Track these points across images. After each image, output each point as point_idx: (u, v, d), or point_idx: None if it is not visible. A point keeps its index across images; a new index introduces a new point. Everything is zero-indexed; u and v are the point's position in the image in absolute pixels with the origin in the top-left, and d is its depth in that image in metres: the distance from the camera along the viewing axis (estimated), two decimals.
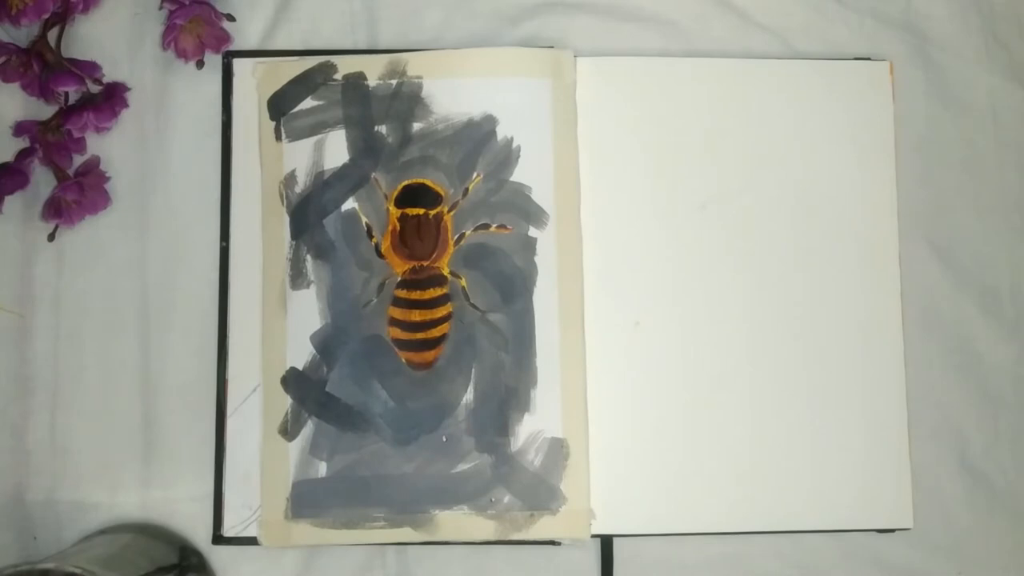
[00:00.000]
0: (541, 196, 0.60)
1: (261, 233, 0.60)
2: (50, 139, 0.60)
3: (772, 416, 0.60)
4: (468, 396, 0.59)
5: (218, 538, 0.58)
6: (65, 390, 0.60)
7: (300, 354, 0.59)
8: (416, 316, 0.59)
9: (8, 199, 0.60)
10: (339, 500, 0.58)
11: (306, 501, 0.58)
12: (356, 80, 0.61)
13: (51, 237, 0.60)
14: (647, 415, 0.60)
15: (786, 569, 0.61)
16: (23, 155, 0.60)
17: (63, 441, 0.60)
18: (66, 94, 0.60)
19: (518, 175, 0.60)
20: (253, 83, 0.61)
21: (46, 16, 0.60)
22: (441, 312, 0.59)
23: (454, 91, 0.60)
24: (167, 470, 0.59)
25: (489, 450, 0.58)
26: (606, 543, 0.60)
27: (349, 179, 0.60)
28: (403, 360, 0.59)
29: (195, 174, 0.61)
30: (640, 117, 0.62)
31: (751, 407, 0.60)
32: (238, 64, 0.61)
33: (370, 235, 0.60)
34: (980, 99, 0.65)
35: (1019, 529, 0.62)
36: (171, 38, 0.60)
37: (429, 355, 0.59)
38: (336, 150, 0.60)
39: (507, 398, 0.59)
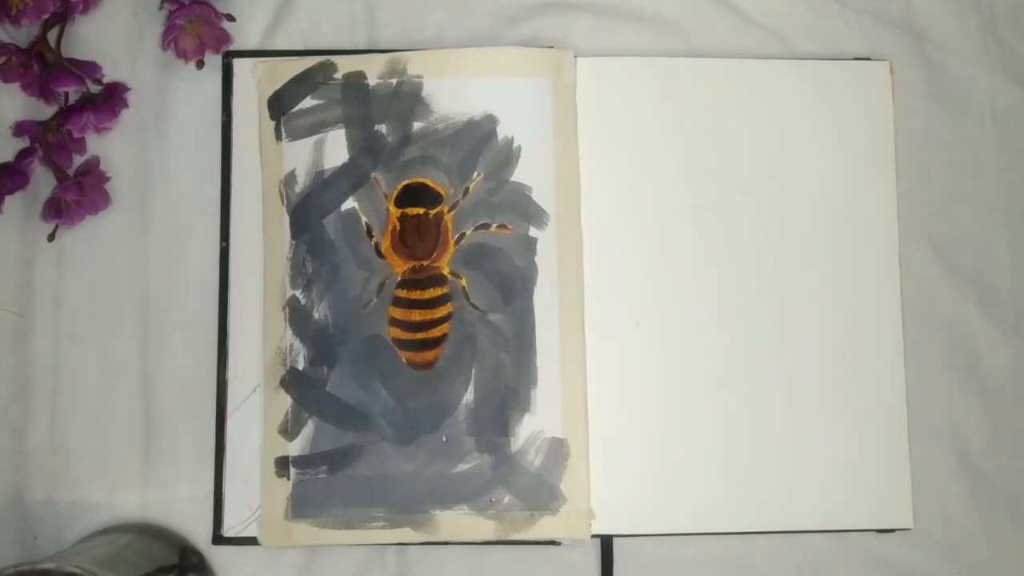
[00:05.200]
0: (541, 196, 0.60)
1: (261, 233, 0.60)
2: (50, 139, 0.60)
3: (772, 416, 0.60)
4: (468, 396, 0.59)
5: (218, 538, 0.58)
6: (65, 390, 0.60)
7: (300, 354, 0.59)
8: (416, 316, 0.59)
9: (8, 199, 0.60)
10: (339, 500, 0.58)
11: (306, 501, 0.58)
12: (356, 79, 0.61)
13: (51, 237, 0.60)
14: (647, 415, 0.60)
15: (786, 569, 0.60)
16: (23, 155, 0.60)
17: (63, 441, 0.60)
18: (66, 94, 0.60)
19: (518, 175, 0.60)
20: (253, 83, 0.61)
21: (46, 16, 0.60)
22: (441, 312, 0.59)
23: (454, 91, 0.61)
24: (167, 470, 0.59)
25: (489, 450, 0.58)
26: (606, 543, 0.60)
27: (349, 178, 0.60)
28: (403, 360, 0.59)
29: (195, 174, 0.61)
30: (640, 117, 0.62)
31: (750, 407, 0.60)
32: (238, 64, 0.61)
33: (370, 235, 0.60)
34: (980, 99, 0.65)
35: (1019, 529, 0.62)
36: (171, 38, 0.60)
37: (429, 355, 0.59)
38: (336, 149, 0.60)
39: (507, 398, 0.59)
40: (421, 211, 0.60)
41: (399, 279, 0.60)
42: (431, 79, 0.61)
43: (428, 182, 0.60)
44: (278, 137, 0.61)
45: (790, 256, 0.62)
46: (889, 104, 0.63)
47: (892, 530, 0.60)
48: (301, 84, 0.61)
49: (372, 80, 0.61)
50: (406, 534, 0.58)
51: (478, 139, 0.60)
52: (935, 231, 0.63)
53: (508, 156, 0.60)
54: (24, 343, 0.60)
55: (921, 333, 0.62)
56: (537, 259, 0.60)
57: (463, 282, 0.60)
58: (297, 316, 0.59)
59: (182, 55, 0.61)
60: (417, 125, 0.61)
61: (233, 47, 0.62)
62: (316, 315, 0.59)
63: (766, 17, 0.64)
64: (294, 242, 0.60)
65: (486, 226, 0.60)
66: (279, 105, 0.61)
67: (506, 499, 0.58)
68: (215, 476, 0.59)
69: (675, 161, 0.62)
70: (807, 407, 0.60)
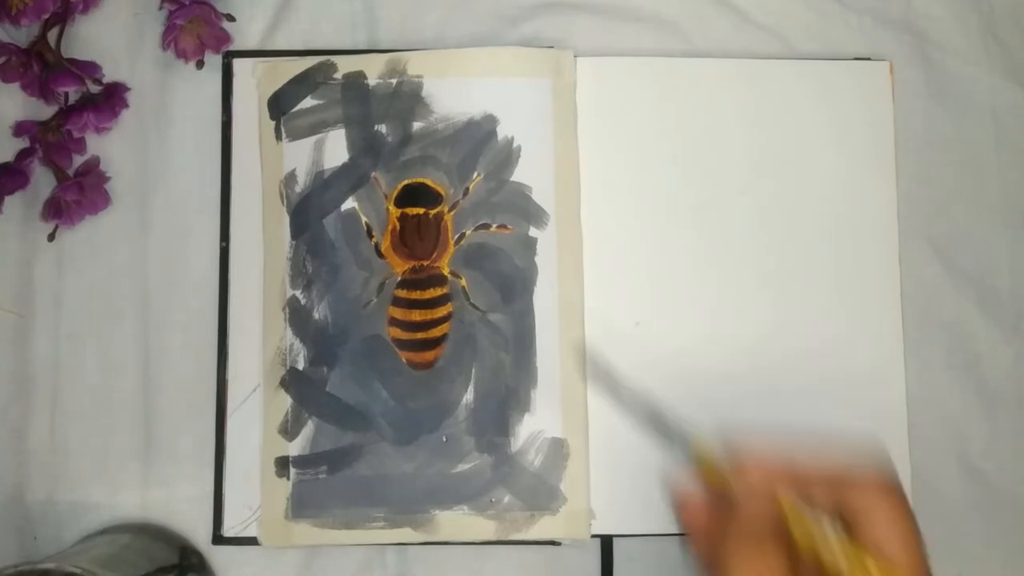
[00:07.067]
0: (541, 196, 0.60)
1: (261, 233, 0.60)
2: (50, 139, 0.60)
3: (771, 416, 0.60)
4: (468, 396, 0.59)
5: (218, 538, 0.58)
6: (65, 390, 0.60)
7: (300, 354, 0.59)
8: (416, 316, 0.59)
9: (8, 199, 0.60)
10: (339, 500, 0.58)
11: (306, 501, 0.58)
12: (356, 79, 0.61)
13: (51, 237, 0.60)
14: None
15: None
16: (23, 155, 0.60)
17: (63, 441, 0.60)
18: (66, 94, 0.60)
19: (518, 175, 0.60)
20: (253, 83, 0.61)
21: (46, 16, 0.60)
22: (441, 312, 0.59)
23: (454, 90, 0.61)
24: (167, 470, 0.59)
25: (489, 450, 0.58)
26: (606, 543, 0.60)
27: (349, 178, 0.60)
28: (403, 360, 0.59)
29: (195, 174, 0.61)
30: (640, 117, 0.62)
31: (750, 408, 0.60)
32: (238, 64, 0.61)
33: (370, 235, 0.60)
34: (980, 99, 0.65)
35: (1019, 529, 0.62)
36: (171, 38, 0.60)
37: (429, 355, 0.59)
38: (336, 149, 0.60)
39: (507, 398, 0.59)
40: (421, 211, 0.60)
41: (399, 279, 0.60)
42: (431, 79, 0.61)
43: (428, 182, 0.60)
44: (278, 137, 0.61)
45: (790, 256, 0.61)
46: (889, 104, 0.63)
47: None
48: (301, 84, 0.61)
49: (372, 80, 0.61)
50: (406, 534, 0.58)
51: (478, 139, 0.60)
52: (935, 231, 0.63)
53: (508, 156, 0.60)
54: (24, 343, 0.60)
55: (921, 333, 0.62)
56: (537, 259, 0.60)
57: (463, 282, 0.60)
58: (297, 316, 0.59)
59: (182, 55, 0.61)
60: (417, 125, 0.61)
61: (233, 47, 0.62)
62: (316, 315, 0.59)
63: (766, 17, 0.64)
64: (294, 242, 0.60)
65: (486, 226, 0.60)
66: (279, 105, 0.61)
67: (506, 499, 0.58)
68: (215, 476, 0.59)
69: (675, 161, 0.62)
70: (807, 407, 0.60)
